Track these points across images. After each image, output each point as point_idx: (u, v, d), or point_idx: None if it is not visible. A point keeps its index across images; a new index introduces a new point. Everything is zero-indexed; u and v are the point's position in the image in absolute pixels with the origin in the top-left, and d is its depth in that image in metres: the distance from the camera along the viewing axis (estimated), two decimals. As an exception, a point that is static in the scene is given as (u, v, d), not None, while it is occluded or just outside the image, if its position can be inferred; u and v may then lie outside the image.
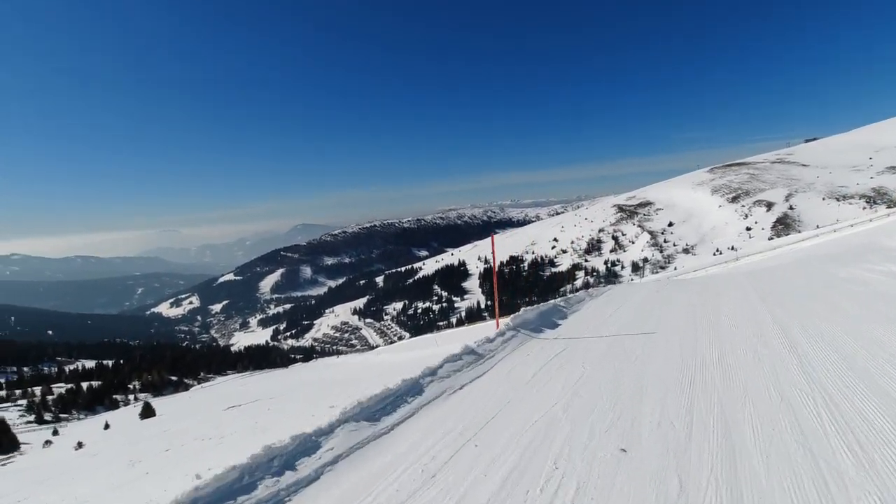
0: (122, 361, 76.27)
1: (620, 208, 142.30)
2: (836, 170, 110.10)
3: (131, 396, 53.68)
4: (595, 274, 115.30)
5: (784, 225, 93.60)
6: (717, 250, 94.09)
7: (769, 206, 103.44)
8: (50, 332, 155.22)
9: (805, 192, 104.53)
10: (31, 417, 44.03)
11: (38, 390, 54.82)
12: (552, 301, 10.21)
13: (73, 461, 13.95)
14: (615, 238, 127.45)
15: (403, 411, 4.77)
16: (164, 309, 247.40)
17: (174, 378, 66.35)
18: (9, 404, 49.40)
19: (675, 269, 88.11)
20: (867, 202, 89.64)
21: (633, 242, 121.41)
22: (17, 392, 55.68)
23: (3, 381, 67.84)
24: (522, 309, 8.46)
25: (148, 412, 29.09)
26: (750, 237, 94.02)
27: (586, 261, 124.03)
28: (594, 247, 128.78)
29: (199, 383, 63.50)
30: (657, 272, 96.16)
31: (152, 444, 12.00)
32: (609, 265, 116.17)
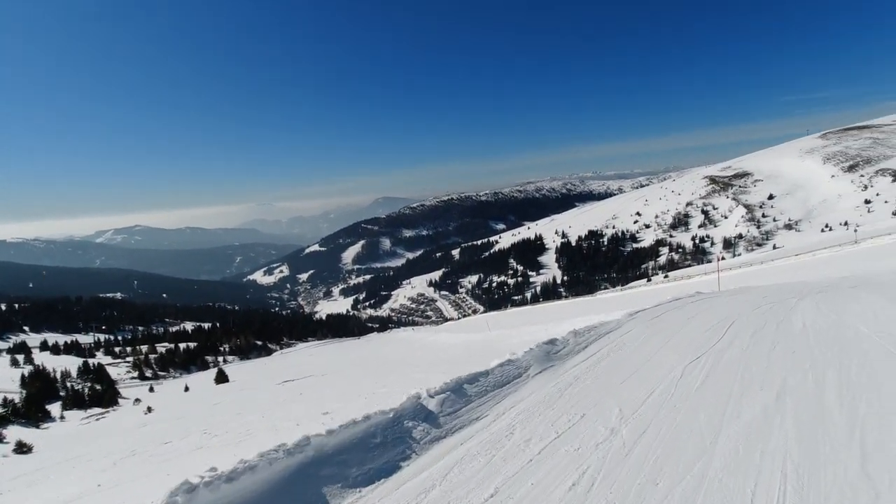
0: (216, 325, 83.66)
1: (713, 180, 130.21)
2: None
3: (220, 358, 58.60)
4: (681, 250, 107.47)
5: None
6: (827, 226, 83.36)
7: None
8: (164, 296, 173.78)
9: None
10: (136, 374, 49.74)
11: (144, 349, 61.81)
12: (466, 373, 5.73)
13: (119, 435, 14.82)
14: (705, 212, 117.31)
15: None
16: (259, 277, 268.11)
17: (259, 343, 71.57)
18: (120, 360, 56.25)
19: (775, 247, 79.40)
20: None
21: (725, 217, 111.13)
22: (128, 349, 63.16)
23: (121, 338, 77.75)
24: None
25: (221, 378, 31.27)
26: (869, 212, 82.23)
27: (671, 237, 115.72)
28: (681, 222, 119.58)
29: (281, 349, 68.05)
30: (752, 249, 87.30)
31: (179, 425, 12.35)
32: (697, 241, 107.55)
